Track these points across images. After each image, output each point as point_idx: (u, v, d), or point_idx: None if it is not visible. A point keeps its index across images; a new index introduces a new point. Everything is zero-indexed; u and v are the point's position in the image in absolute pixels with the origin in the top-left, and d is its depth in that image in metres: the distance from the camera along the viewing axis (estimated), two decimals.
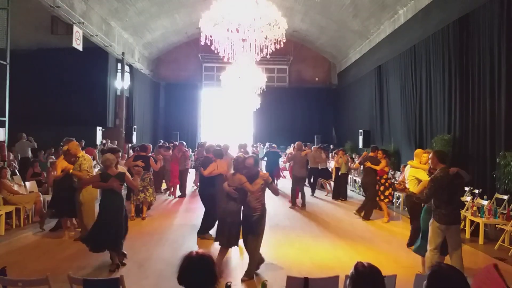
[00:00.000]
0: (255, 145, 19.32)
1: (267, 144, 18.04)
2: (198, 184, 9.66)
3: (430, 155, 4.95)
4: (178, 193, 11.66)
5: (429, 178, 4.74)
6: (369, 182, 8.94)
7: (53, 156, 11.67)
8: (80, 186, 6.37)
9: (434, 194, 4.65)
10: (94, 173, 6.45)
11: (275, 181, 15.26)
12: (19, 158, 11.60)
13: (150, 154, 9.32)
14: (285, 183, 15.00)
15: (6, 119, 9.15)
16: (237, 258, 6.14)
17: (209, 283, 2.10)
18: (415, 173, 6.85)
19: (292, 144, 22.40)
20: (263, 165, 14.92)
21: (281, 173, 15.61)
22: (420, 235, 5.30)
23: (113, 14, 15.26)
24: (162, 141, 15.47)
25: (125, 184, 5.90)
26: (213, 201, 6.84)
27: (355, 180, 14.10)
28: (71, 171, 6.67)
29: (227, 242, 5.29)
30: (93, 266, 5.43)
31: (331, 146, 19.20)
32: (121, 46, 17.20)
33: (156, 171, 9.70)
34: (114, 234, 5.29)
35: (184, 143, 12.70)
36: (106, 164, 5.48)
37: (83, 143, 11.62)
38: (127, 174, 5.69)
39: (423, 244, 5.08)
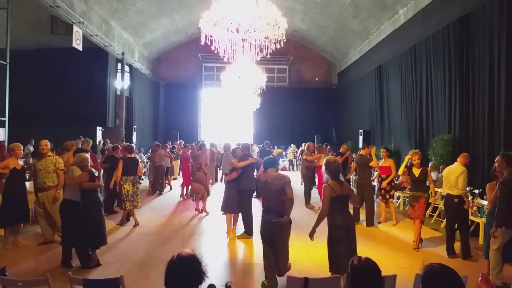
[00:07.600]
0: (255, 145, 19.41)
1: (264, 143, 18.09)
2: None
3: (497, 159, 4.69)
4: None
5: (499, 182, 4.57)
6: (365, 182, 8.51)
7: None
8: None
9: (507, 197, 4.48)
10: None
11: None
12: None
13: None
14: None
15: (6, 119, 9.14)
16: (237, 258, 6.14)
17: (192, 284, 2.03)
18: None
19: (292, 144, 22.54)
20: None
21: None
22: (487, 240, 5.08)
23: (113, 14, 15.26)
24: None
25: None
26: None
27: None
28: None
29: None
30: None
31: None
32: (121, 46, 17.21)
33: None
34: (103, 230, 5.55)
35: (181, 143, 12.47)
36: (84, 164, 5.39)
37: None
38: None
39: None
